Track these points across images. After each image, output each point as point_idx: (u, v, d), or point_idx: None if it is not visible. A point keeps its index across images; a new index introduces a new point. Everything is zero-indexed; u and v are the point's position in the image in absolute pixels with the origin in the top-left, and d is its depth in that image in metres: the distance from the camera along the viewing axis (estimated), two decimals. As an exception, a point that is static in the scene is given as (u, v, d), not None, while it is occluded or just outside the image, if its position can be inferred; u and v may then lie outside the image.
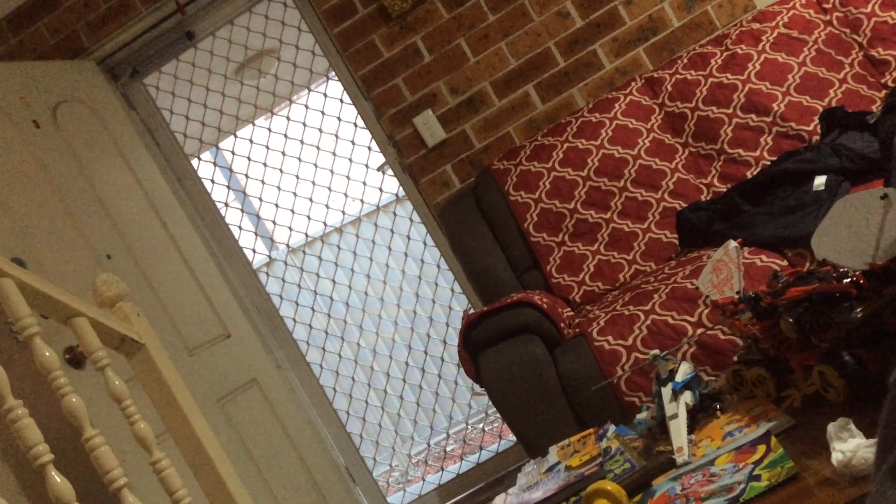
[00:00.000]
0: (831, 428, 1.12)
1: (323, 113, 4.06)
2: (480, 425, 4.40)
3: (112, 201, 3.18)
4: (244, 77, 4.41)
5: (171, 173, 3.58)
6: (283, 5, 3.67)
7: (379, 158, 3.77)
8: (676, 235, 2.71)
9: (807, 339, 1.33)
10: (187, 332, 3.14)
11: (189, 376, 2.92)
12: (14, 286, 1.73)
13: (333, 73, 3.50)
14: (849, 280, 1.28)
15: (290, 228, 4.14)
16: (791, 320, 1.33)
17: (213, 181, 3.84)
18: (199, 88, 3.86)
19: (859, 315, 1.21)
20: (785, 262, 2.22)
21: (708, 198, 2.80)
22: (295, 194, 4.10)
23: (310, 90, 4.48)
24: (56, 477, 1.54)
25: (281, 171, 4.06)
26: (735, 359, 1.60)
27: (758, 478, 1.20)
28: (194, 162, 3.78)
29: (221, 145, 5.19)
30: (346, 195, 4.16)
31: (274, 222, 4.22)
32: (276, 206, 4.12)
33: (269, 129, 4.13)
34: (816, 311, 1.30)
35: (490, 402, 3.55)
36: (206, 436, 1.95)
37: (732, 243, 1.62)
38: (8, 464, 2.70)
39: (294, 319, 4.04)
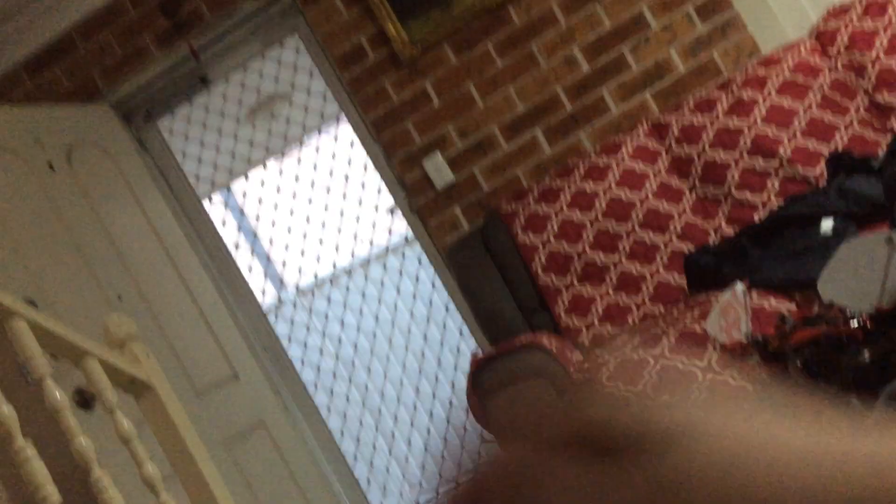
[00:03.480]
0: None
1: (333, 155, 4.11)
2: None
3: (124, 242, 3.22)
4: (256, 120, 4.48)
5: (182, 215, 3.62)
6: (296, 50, 3.74)
7: (388, 200, 3.81)
8: (685, 278, 2.72)
9: (815, 382, 1.33)
10: (196, 374, 3.14)
11: (197, 417, 2.92)
12: (26, 327, 1.75)
13: (344, 116, 3.55)
14: (856, 323, 1.29)
15: (300, 270, 4.16)
16: (799, 364, 1.33)
17: (224, 222, 3.88)
18: (212, 131, 3.92)
19: (866, 358, 1.21)
20: (794, 306, 2.21)
21: (716, 241, 2.81)
22: (305, 236, 4.13)
23: (321, 133, 4.54)
24: (63, 519, 1.54)
25: (291, 212, 4.09)
26: (744, 402, 1.60)
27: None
28: (206, 203, 3.82)
29: (233, 187, 5.24)
30: (355, 237, 4.19)
31: (284, 264, 4.25)
32: (286, 247, 4.15)
33: (281, 171, 4.18)
34: (824, 354, 1.30)
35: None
36: (213, 478, 1.95)
37: (740, 286, 1.62)
38: (14, 505, 2.68)
39: (302, 361, 4.04)
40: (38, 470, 1.58)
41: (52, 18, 3.55)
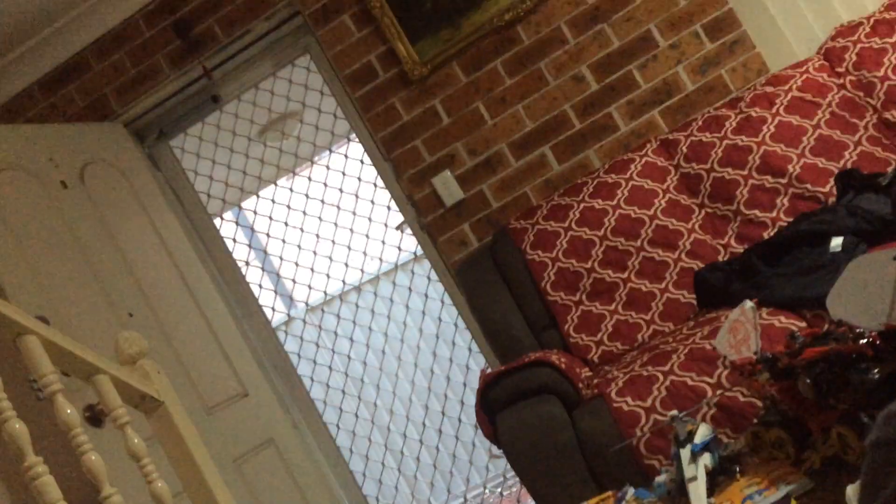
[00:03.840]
0: (851, 490, 1.11)
1: (344, 173, 4.13)
2: (498, 489, 4.34)
3: (135, 260, 3.24)
4: (267, 139, 4.51)
5: (193, 232, 3.64)
6: (307, 70, 3.77)
7: (398, 217, 3.82)
8: (694, 296, 2.71)
9: (825, 400, 1.33)
10: (206, 391, 3.15)
11: (207, 435, 2.93)
12: (38, 343, 1.76)
13: (354, 134, 3.58)
14: (865, 340, 1.28)
15: (310, 287, 4.18)
16: (808, 381, 1.33)
17: (234, 240, 3.90)
18: (224, 149, 3.95)
19: (876, 375, 1.21)
20: (804, 323, 2.21)
21: (725, 258, 2.80)
22: (315, 253, 4.15)
23: (331, 151, 4.57)
24: (73, 535, 1.55)
25: (301, 230, 4.12)
26: (754, 420, 1.59)
27: (778, 542, 1.19)
28: (217, 221, 3.85)
29: (244, 205, 5.28)
30: (364, 254, 4.20)
31: (293, 281, 4.27)
32: (296, 264, 4.17)
33: (291, 189, 4.20)
34: (833, 371, 1.30)
35: (508, 466, 3.51)
36: (223, 495, 1.95)
37: (748, 303, 1.62)
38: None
39: (311, 378, 4.05)
40: (50, 486, 1.59)
41: (67, 38, 3.60)
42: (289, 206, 4.14)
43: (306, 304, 4.91)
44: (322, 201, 4.10)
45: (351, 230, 4.16)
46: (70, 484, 1.81)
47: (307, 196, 4.20)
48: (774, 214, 2.76)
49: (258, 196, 4.35)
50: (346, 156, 4.08)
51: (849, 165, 2.72)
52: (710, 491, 1.49)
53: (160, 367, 2.09)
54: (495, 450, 2.65)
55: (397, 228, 4.50)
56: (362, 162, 3.73)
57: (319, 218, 4.20)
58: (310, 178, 4.22)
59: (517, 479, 2.58)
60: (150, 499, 1.85)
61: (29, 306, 2.76)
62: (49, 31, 3.55)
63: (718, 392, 2.09)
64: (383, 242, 4.02)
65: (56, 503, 1.57)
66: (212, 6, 3.52)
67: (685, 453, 1.53)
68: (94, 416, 2.61)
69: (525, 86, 3.32)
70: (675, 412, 1.63)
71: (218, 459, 2.89)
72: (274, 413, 3.37)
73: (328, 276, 4.18)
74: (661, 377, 2.21)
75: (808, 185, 2.73)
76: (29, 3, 3.30)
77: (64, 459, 2.06)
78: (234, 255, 3.75)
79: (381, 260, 4.12)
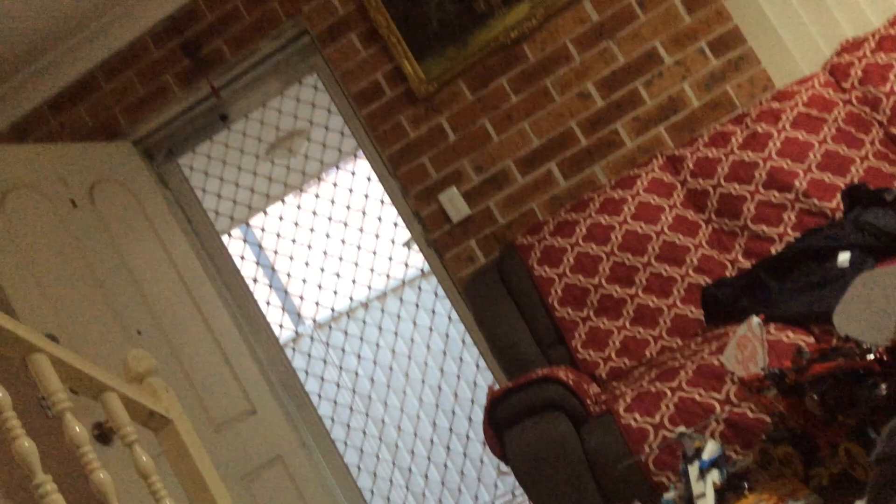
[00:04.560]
0: (859, 507, 1.11)
1: (351, 190, 4.15)
2: (507, 505, 4.32)
3: (144, 277, 3.25)
4: (275, 156, 4.54)
5: (202, 250, 3.66)
6: (314, 88, 3.80)
7: (405, 234, 3.83)
8: (702, 311, 2.71)
9: (833, 416, 1.32)
10: (214, 408, 3.16)
11: (215, 452, 2.93)
12: (47, 361, 1.77)
13: (361, 152, 3.60)
14: (872, 356, 1.28)
15: (317, 303, 4.18)
16: (816, 397, 1.33)
17: (242, 257, 3.92)
18: (232, 168, 3.97)
19: (884, 391, 1.21)
20: (812, 339, 2.20)
21: (733, 274, 2.80)
22: (322, 270, 4.16)
23: (338, 169, 4.59)
24: (81, 553, 1.55)
25: (309, 247, 4.13)
26: (763, 437, 1.59)
27: (787, 559, 1.18)
28: (225, 239, 3.87)
29: (252, 222, 5.30)
30: (372, 270, 4.21)
31: (301, 297, 4.28)
32: (304, 281, 4.18)
33: (299, 207, 4.22)
34: (841, 387, 1.30)
35: (516, 483, 3.50)
36: (231, 512, 1.95)
37: (755, 319, 1.62)
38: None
39: (319, 395, 4.05)
40: (58, 504, 1.59)
41: (76, 59, 3.63)
42: (296, 223, 4.16)
43: (314, 320, 4.92)
44: (329, 218, 4.11)
45: (358, 247, 4.17)
46: (79, 502, 1.82)
47: (314, 213, 4.21)
48: (781, 230, 2.76)
49: (266, 213, 4.37)
50: (353, 173, 4.09)
51: (855, 180, 2.72)
52: (719, 508, 1.48)
53: (168, 385, 2.10)
54: (503, 466, 2.64)
55: (404, 245, 4.51)
56: (369, 179, 3.75)
57: (327, 235, 4.22)
58: (317, 196, 4.23)
59: (526, 495, 2.57)
60: (158, 517, 1.85)
61: (38, 324, 2.77)
62: (59, 52, 3.59)
63: (727, 408, 2.09)
64: (390, 259, 4.03)
65: (65, 521, 1.57)
66: (220, 26, 3.55)
67: (693, 470, 1.53)
68: (103, 434, 2.61)
69: (531, 103, 3.34)
70: (683, 428, 1.63)
71: (226, 477, 2.89)
72: (282, 430, 3.36)
73: (335, 292, 4.19)
74: (669, 393, 2.21)
75: (815, 201, 2.73)
76: (39, 24, 3.34)
77: (73, 477, 2.06)
78: (242, 272, 3.76)
79: (388, 276, 4.13)
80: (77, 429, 1.73)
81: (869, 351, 1.31)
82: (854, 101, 2.88)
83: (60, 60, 3.62)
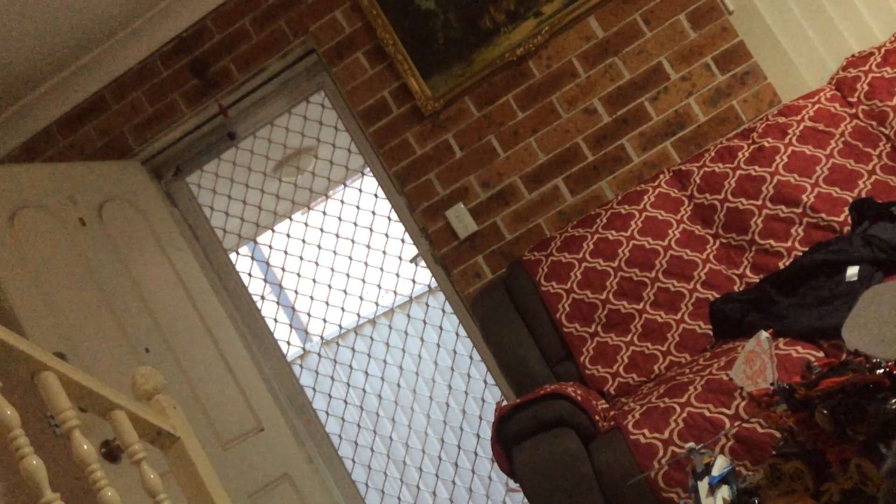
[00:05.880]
0: (871, 523, 1.10)
1: (358, 207, 4.16)
2: (516, 523, 4.29)
3: (152, 295, 3.26)
4: (282, 174, 4.56)
5: (210, 267, 3.67)
6: (321, 106, 3.82)
7: (412, 250, 3.84)
8: (710, 326, 2.70)
9: (843, 431, 1.32)
10: (221, 426, 3.15)
11: (222, 470, 2.92)
12: (56, 379, 1.78)
13: (368, 169, 3.61)
14: (882, 370, 1.28)
15: (325, 320, 4.18)
16: (826, 412, 1.32)
17: (250, 275, 3.92)
18: (239, 185, 3.99)
19: (894, 406, 1.20)
20: (821, 353, 2.19)
21: (741, 289, 2.79)
22: (330, 286, 4.17)
23: (346, 186, 4.61)
24: (89, 571, 1.54)
25: (317, 264, 4.14)
26: (773, 452, 1.58)
27: (798, 576, 1.17)
28: (233, 256, 3.88)
29: (259, 240, 5.32)
30: (379, 287, 4.22)
31: (309, 314, 4.28)
32: (311, 298, 4.18)
33: (306, 224, 4.23)
34: (851, 402, 1.29)
35: (525, 500, 3.48)
36: (238, 530, 1.95)
37: (764, 334, 1.61)
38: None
39: (327, 412, 4.04)
40: (66, 522, 1.59)
41: (85, 79, 3.66)
42: (304, 241, 4.16)
43: (321, 337, 4.92)
44: (337, 235, 4.12)
45: (365, 263, 4.17)
46: (86, 520, 1.81)
47: (322, 230, 4.22)
48: (789, 244, 2.75)
49: (273, 231, 4.38)
50: (360, 190, 4.11)
51: (863, 195, 2.71)
52: (729, 524, 1.47)
53: (176, 403, 2.10)
54: (512, 483, 2.63)
55: (411, 261, 4.52)
56: (376, 196, 3.76)
57: (334, 251, 4.23)
58: (324, 213, 4.25)
59: (534, 513, 2.55)
60: (165, 535, 1.85)
61: (47, 342, 2.78)
62: (68, 72, 3.62)
63: (736, 423, 2.07)
64: (398, 275, 4.03)
65: (72, 539, 1.57)
66: (227, 45, 3.58)
67: (703, 486, 1.52)
68: (111, 452, 2.61)
69: (537, 119, 3.35)
70: (692, 444, 1.62)
71: (233, 495, 2.89)
72: (289, 447, 3.36)
73: (343, 309, 4.20)
74: (678, 409, 2.20)
75: (823, 215, 2.72)
76: (48, 45, 3.37)
77: (81, 495, 2.06)
78: (250, 290, 3.77)
79: (395, 293, 4.12)
80: (85, 447, 1.73)
81: (879, 365, 1.31)
82: (861, 115, 2.88)
83: (70, 80, 3.65)
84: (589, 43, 3.30)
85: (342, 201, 4.16)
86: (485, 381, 3.65)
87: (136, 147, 3.67)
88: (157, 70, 3.64)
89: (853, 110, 2.90)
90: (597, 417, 2.40)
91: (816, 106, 2.92)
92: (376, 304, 4.32)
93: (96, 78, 3.67)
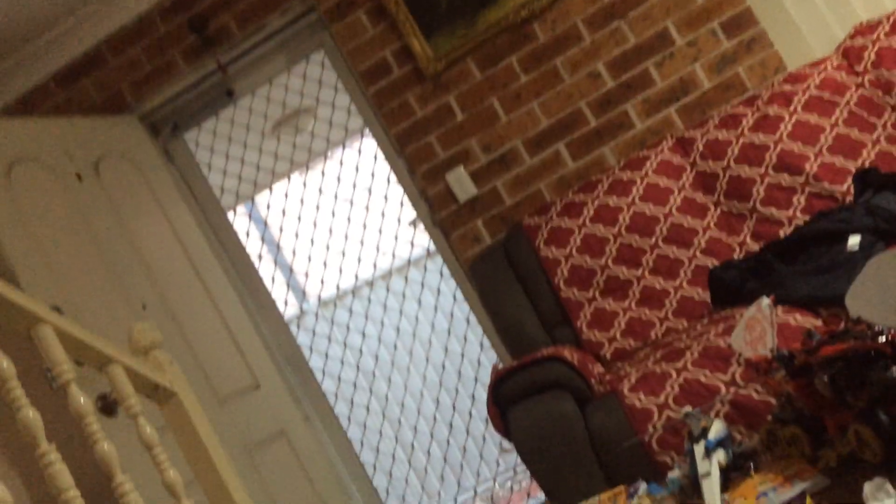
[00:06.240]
0: (867, 488, 1.10)
1: (357, 169, 4.14)
2: (508, 483, 4.34)
3: (149, 252, 3.25)
4: (281, 133, 4.52)
5: (207, 226, 3.65)
6: (321, 65, 3.77)
7: (411, 213, 3.82)
8: (709, 294, 2.70)
9: (842, 398, 1.32)
10: (218, 382, 3.16)
11: (219, 425, 2.93)
12: (52, 333, 1.77)
13: (368, 130, 3.58)
14: (884, 339, 1.27)
15: (322, 281, 4.18)
16: (826, 379, 1.32)
17: (247, 234, 3.91)
18: (238, 144, 3.96)
19: (894, 374, 1.20)
20: (820, 322, 2.19)
21: (741, 257, 2.79)
22: (327, 247, 4.16)
23: (345, 147, 4.57)
24: (85, 522, 1.55)
25: (314, 225, 4.12)
26: (769, 418, 1.58)
27: (793, 539, 1.18)
28: (230, 215, 3.86)
29: (257, 199, 5.29)
30: (377, 249, 4.21)
31: (306, 275, 4.28)
32: (309, 258, 4.18)
33: (304, 184, 4.21)
34: (851, 369, 1.29)
35: (518, 461, 3.51)
36: (234, 485, 1.96)
37: (765, 300, 1.61)
38: (36, 511, 2.71)
39: (323, 371, 4.05)
40: (62, 474, 1.59)
41: (83, 33, 3.61)
42: (302, 201, 4.14)
43: (318, 298, 4.92)
44: (335, 196, 4.10)
45: (364, 225, 4.16)
46: (82, 472, 1.82)
47: (320, 191, 4.20)
48: (791, 213, 2.74)
49: (271, 190, 4.35)
50: (359, 151, 4.07)
51: (867, 164, 2.69)
52: (724, 487, 1.48)
53: (173, 358, 2.10)
54: (506, 444, 2.65)
55: (410, 224, 4.50)
56: (375, 158, 3.73)
57: (332, 213, 4.21)
58: (323, 174, 4.22)
59: (528, 473, 2.58)
60: (161, 487, 1.85)
61: (43, 296, 2.77)
62: (65, 26, 3.57)
63: (732, 389, 2.08)
64: (396, 238, 4.02)
65: (68, 490, 1.58)
66: (227, 1, 3.52)
67: (699, 449, 1.53)
68: (107, 406, 2.62)
69: (540, 83, 3.31)
70: (688, 408, 1.62)
71: (229, 449, 2.90)
72: (285, 405, 3.37)
73: (340, 270, 4.19)
74: (674, 374, 2.20)
75: (826, 184, 2.71)
76: (46, -4, 3.32)
77: (77, 448, 2.07)
78: (247, 249, 3.75)
79: (393, 255, 4.12)
80: (81, 400, 1.73)
81: (880, 333, 1.30)
82: (867, 84, 2.85)
83: (67, 34, 3.60)
84: (594, 6, 3.25)
85: (341, 162, 4.13)
86: (481, 345, 3.67)
87: (133, 103, 3.63)
88: (155, 26, 3.59)
89: (859, 79, 2.87)
90: (592, 381, 2.41)
91: (822, 74, 2.89)
92: (374, 266, 4.31)
93: (94, 32, 3.62)
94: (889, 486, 1.08)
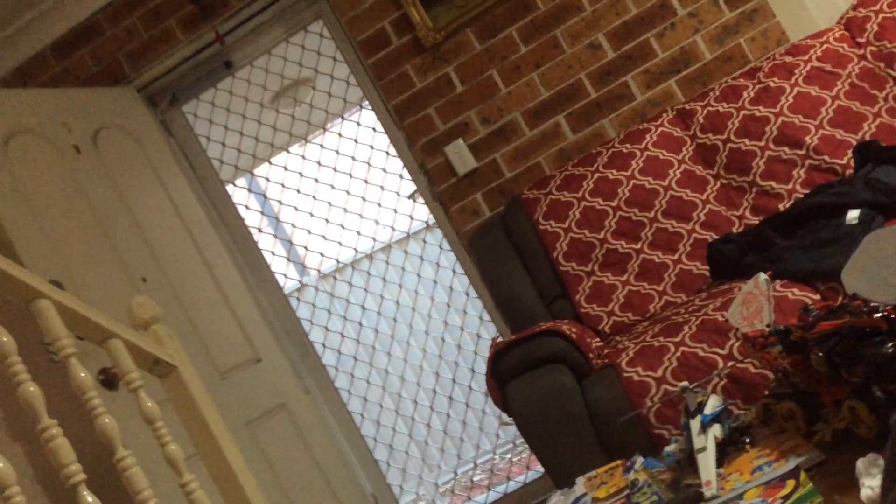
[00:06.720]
0: (861, 463, 1.11)
1: (356, 141, 4.12)
2: (508, 455, 4.38)
3: (149, 225, 3.25)
4: (280, 105, 4.49)
5: (206, 199, 3.65)
6: (320, 36, 3.74)
7: (410, 186, 3.81)
8: (708, 267, 2.70)
9: (837, 373, 1.32)
10: (219, 356, 3.18)
11: (219, 399, 2.95)
12: (52, 307, 1.77)
13: (367, 102, 3.56)
14: (880, 314, 1.27)
15: (322, 254, 4.18)
16: (821, 354, 1.33)
17: (247, 207, 3.90)
18: (236, 116, 3.94)
19: (890, 350, 1.20)
20: (817, 296, 2.20)
21: (740, 230, 2.78)
22: (327, 221, 4.15)
23: (344, 119, 4.55)
24: (87, 497, 1.57)
25: (314, 197, 4.11)
26: (765, 392, 1.59)
27: (786, 513, 1.19)
28: (229, 188, 3.85)
29: (256, 172, 5.28)
30: (377, 222, 4.20)
31: (306, 248, 4.28)
32: (309, 232, 4.17)
33: (303, 157, 4.19)
34: (847, 345, 1.29)
35: (518, 433, 3.54)
36: (235, 459, 1.97)
37: (762, 275, 1.61)
38: (40, 483, 2.74)
39: (323, 345, 4.07)
40: (63, 448, 1.60)
41: (80, 2, 3.58)
42: (301, 174, 4.13)
43: (318, 271, 4.92)
44: (334, 169, 4.09)
45: (363, 198, 4.15)
46: (84, 446, 1.84)
47: (319, 163, 4.19)
48: (790, 186, 2.73)
49: (270, 163, 4.34)
50: (358, 123, 4.06)
51: (867, 137, 2.68)
52: (720, 461, 1.49)
53: (173, 332, 2.11)
54: (505, 417, 2.66)
55: (409, 197, 4.49)
56: (374, 130, 3.71)
57: (331, 185, 4.20)
58: (322, 146, 4.20)
59: (527, 446, 2.59)
60: (163, 461, 1.87)
61: (43, 271, 2.77)
62: (62, -5, 3.53)
63: (730, 363, 2.09)
64: (395, 211, 4.01)
65: (70, 465, 1.59)
66: (224, -30, 3.49)
67: (695, 423, 1.54)
68: (108, 380, 2.63)
69: (540, 54, 3.28)
70: (685, 383, 1.63)
71: (231, 423, 2.92)
72: (286, 378, 3.39)
73: (340, 243, 4.19)
74: (672, 348, 2.21)
75: (826, 157, 2.70)
76: (41, -34, 3.28)
77: (78, 422, 2.08)
78: (247, 222, 3.75)
79: (392, 228, 4.11)
80: (82, 374, 1.74)
81: (876, 309, 1.31)
82: (869, 56, 2.83)
83: (64, 4, 3.57)
84: (595, -25, 3.22)
85: (340, 134, 4.11)
86: (480, 318, 3.67)
87: (131, 74, 3.60)
88: (152, -5, 3.55)
89: (861, 51, 2.85)
90: (591, 355, 2.42)
91: (824, 46, 2.87)
92: (373, 239, 4.31)
93: (90, 2, 3.58)
94: (882, 462, 1.09)
